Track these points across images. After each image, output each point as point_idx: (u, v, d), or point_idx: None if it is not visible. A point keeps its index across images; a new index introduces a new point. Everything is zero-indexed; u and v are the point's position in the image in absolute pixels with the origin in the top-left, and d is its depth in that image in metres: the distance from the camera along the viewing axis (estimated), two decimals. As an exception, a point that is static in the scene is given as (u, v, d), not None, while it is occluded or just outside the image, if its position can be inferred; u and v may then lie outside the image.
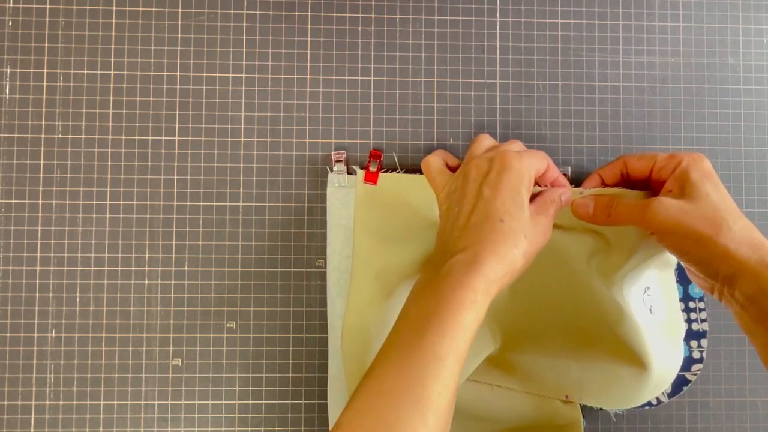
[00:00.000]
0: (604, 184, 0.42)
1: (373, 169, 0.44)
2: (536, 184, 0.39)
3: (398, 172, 0.45)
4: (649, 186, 0.41)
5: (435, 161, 0.42)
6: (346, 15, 0.47)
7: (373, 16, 0.47)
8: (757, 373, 0.47)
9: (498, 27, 0.47)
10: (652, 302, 0.44)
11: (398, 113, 0.47)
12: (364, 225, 0.43)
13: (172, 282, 0.45)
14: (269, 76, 0.46)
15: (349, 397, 0.32)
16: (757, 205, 0.48)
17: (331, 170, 0.45)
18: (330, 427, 0.33)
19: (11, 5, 0.46)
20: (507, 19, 0.47)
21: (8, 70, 0.45)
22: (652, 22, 0.48)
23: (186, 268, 0.45)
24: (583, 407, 0.45)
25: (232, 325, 0.46)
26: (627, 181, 0.42)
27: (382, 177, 0.44)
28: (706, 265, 0.37)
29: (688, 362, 0.44)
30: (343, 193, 0.45)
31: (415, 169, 0.46)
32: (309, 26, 0.47)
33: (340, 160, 0.45)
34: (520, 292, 0.43)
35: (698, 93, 0.48)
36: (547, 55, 0.47)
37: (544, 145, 0.47)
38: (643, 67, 0.48)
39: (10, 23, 0.46)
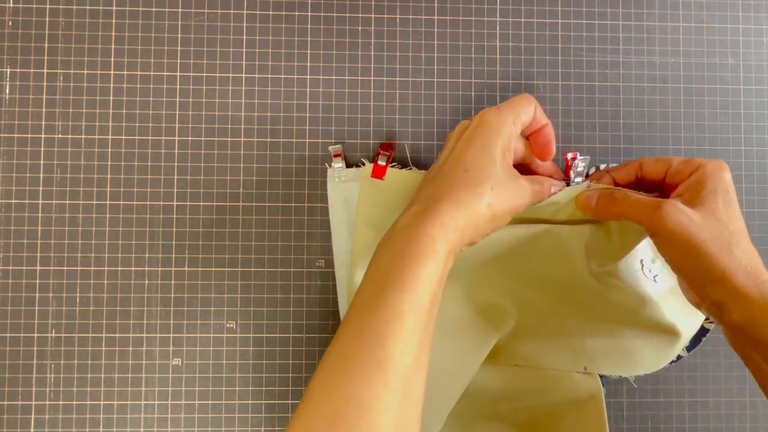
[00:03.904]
0: (615, 184, 0.40)
1: (382, 162, 0.43)
2: (527, 137, 0.39)
3: (409, 169, 0.44)
4: (662, 192, 0.39)
5: None
6: (346, 15, 0.47)
7: (373, 16, 0.47)
8: (757, 373, 0.47)
9: (498, 27, 0.47)
10: (656, 272, 0.44)
11: (398, 113, 0.47)
12: (367, 220, 0.43)
13: (172, 282, 0.45)
14: (269, 76, 0.46)
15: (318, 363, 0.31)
16: (757, 205, 0.48)
17: (330, 166, 0.45)
18: None
19: (11, 5, 0.46)
20: (507, 19, 0.47)
21: (8, 70, 0.45)
22: (652, 22, 0.48)
23: (186, 268, 0.46)
24: (602, 377, 0.45)
25: (232, 325, 0.46)
26: (640, 184, 0.40)
27: (390, 172, 0.43)
28: (698, 286, 0.36)
29: None
30: (344, 187, 0.44)
31: (426, 165, 0.46)
32: (309, 26, 0.47)
33: (339, 155, 0.45)
34: (528, 275, 0.43)
35: (698, 93, 0.48)
36: (547, 55, 0.47)
37: (544, 145, 0.47)
38: (643, 67, 0.48)
39: (10, 23, 0.46)
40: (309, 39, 0.47)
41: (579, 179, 0.41)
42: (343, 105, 0.46)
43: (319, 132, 0.46)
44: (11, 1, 0.45)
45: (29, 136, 0.45)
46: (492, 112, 0.36)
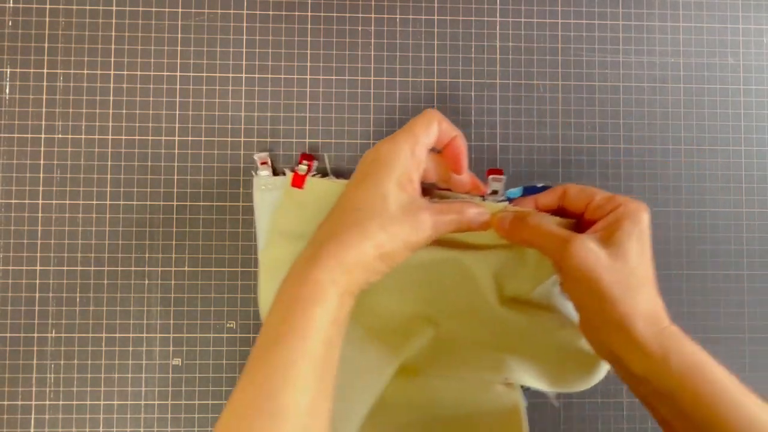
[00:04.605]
0: (537, 209, 0.39)
1: (301, 172, 0.43)
2: (437, 150, 0.38)
3: (329, 179, 0.43)
4: (580, 224, 0.38)
5: None
6: (346, 15, 0.47)
7: (373, 16, 0.47)
8: (756, 374, 0.47)
9: (498, 27, 0.47)
10: None
11: (398, 113, 0.47)
12: (281, 229, 0.43)
13: (172, 282, 0.45)
14: (269, 76, 0.46)
15: None
16: (757, 205, 0.48)
17: (256, 173, 0.44)
18: None
19: (11, 5, 0.46)
20: (507, 19, 0.47)
21: (8, 70, 0.45)
22: (652, 22, 0.48)
23: (186, 268, 0.46)
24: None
25: (232, 325, 0.46)
26: (561, 213, 0.39)
27: (309, 181, 0.42)
28: (598, 330, 0.35)
29: None
30: (270, 196, 0.43)
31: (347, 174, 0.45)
32: (309, 26, 0.47)
33: (265, 162, 0.44)
34: (443, 294, 0.42)
35: (698, 93, 0.48)
36: (547, 55, 0.47)
37: (544, 145, 0.47)
38: (643, 67, 0.48)
39: (10, 23, 0.45)
40: (309, 39, 0.47)
41: (495, 198, 0.40)
42: (343, 105, 0.46)
43: (318, 132, 0.46)
44: (11, 1, 0.45)
45: (29, 136, 0.45)
46: (386, 145, 0.35)
